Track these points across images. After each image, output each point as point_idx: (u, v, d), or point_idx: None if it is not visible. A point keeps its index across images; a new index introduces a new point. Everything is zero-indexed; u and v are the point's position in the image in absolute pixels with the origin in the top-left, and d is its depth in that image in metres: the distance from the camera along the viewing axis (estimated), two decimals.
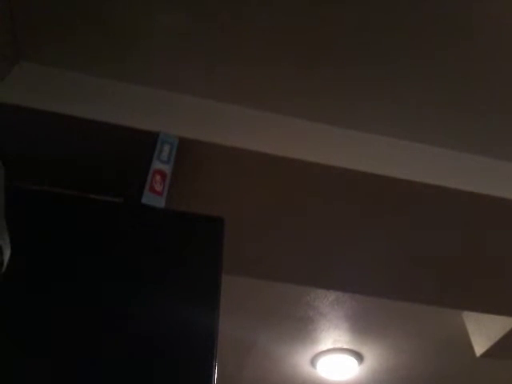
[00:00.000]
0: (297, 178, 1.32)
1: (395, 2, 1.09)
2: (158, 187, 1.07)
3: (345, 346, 2.51)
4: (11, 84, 1.16)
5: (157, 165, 1.10)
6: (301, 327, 2.34)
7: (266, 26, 1.15)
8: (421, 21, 1.13)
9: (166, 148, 1.14)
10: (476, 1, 1.09)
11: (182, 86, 1.27)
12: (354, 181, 1.32)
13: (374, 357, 2.58)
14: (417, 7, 1.10)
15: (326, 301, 2.14)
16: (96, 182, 1.25)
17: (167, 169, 1.11)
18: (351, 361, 2.57)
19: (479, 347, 2.14)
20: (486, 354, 2.12)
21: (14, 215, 0.73)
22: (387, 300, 1.94)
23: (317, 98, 1.30)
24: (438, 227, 1.49)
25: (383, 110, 1.33)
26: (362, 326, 2.36)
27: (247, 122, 1.28)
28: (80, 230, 0.97)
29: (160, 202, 1.05)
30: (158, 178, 1.08)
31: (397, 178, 1.32)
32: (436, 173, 1.35)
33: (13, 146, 1.16)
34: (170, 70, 1.23)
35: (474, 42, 1.18)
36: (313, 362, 2.60)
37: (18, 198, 0.94)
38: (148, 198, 1.04)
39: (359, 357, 2.58)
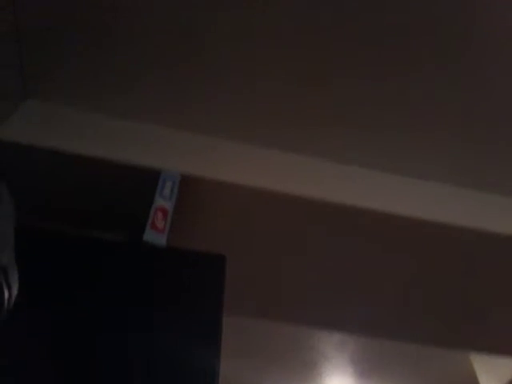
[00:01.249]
0: (298, 214, 1.31)
1: (389, 35, 1.12)
2: (160, 224, 1.06)
3: None
4: (18, 122, 1.18)
5: (159, 202, 1.10)
6: (306, 371, 2.28)
7: (267, 67, 1.18)
8: (418, 54, 1.16)
9: (168, 185, 1.14)
10: (476, 33, 1.11)
11: (183, 124, 1.29)
12: (355, 217, 1.31)
13: None
14: (414, 41, 1.13)
15: (330, 343, 2.09)
16: (100, 219, 1.24)
17: (169, 205, 1.11)
18: None
19: None
20: None
21: (20, 252, 0.72)
22: (392, 342, 1.90)
23: (318, 134, 1.31)
24: (443, 265, 1.47)
25: (383, 146, 1.34)
26: (367, 369, 2.29)
27: (248, 159, 1.30)
28: (83, 268, 0.96)
29: (161, 240, 1.04)
30: (159, 214, 1.08)
31: (399, 215, 1.31)
32: (438, 209, 1.34)
33: (19, 182, 1.16)
34: (172, 108, 1.26)
35: (473, 74, 1.20)
36: None
37: (25, 236, 0.94)
38: (150, 236, 1.03)
39: None
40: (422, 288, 1.56)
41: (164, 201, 1.11)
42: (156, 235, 1.04)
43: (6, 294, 0.58)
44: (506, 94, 1.21)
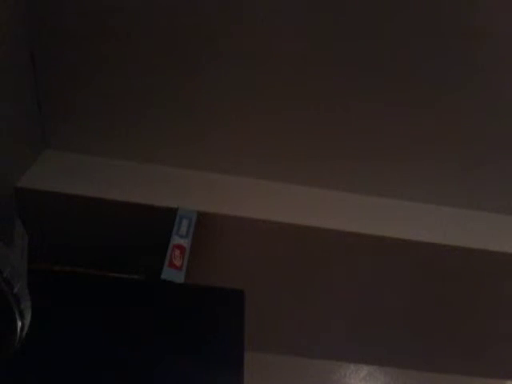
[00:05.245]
0: (316, 246, 1.31)
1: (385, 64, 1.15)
2: (178, 262, 1.08)
3: None
4: (38, 171, 1.23)
5: (176, 240, 1.12)
6: None
7: (277, 104, 1.21)
8: (413, 77, 1.18)
9: (185, 223, 1.16)
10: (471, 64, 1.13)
11: (197, 164, 1.33)
12: (375, 247, 1.30)
13: None
14: (409, 65, 1.15)
15: (357, 376, 2.03)
16: (117, 260, 1.27)
17: (186, 243, 1.12)
18: None
19: None
20: None
21: (38, 295, 0.74)
22: (424, 372, 1.84)
23: (327, 165, 1.33)
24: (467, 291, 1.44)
25: (391, 173, 1.35)
26: None
27: (262, 193, 1.31)
28: (102, 309, 0.97)
29: (179, 277, 1.05)
30: (177, 252, 1.10)
31: (419, 241, 1.30)
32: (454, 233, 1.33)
33: (38, 227, 1.20)
34: (185, 149, 1.30)
35: (474, 99, 1.21)
36: None
37: (42, 279, 0.96)
38: (167, 274, 1.04)
39: None
40: (450, 317, 1.53)
41: (181, 238, 1.13)
42: (174, 273, 1.05)
43: (19, 323, 0.59)
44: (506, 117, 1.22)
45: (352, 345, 1.72)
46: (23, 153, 1.21)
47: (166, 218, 1.18)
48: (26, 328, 0.61)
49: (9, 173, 1.14)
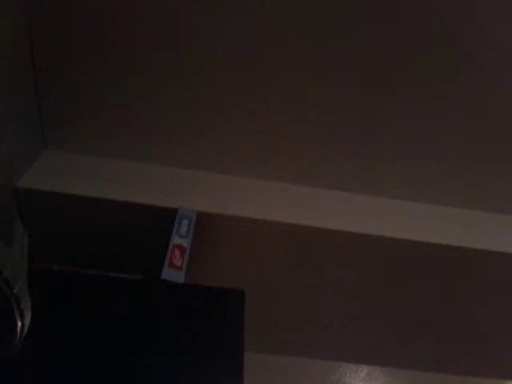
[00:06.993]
0: (316, 246, 1.31)
1: (397, 61, 1.15)
2: (178, 262, 1.08)
3: None
4: (38, 171, 1.23)
5: (176, 240, 1.12)
6: None
7: (277, 105, 1.21)
8: (420, 81, 1.18)
9: (185, 223, 1.16)
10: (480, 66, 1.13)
11: (197, 164, 1.33)
12: (372, 247, 1.30)
13: None
14: (420, 70, 1.15)
15: (357, 377, 2.03)
16: (117, 260, 1.26)
17: (186, 243, 1.12)
18: None
19: None
20: None
21: (38, 295, 0.74)
22: (424, 372, 1.84)
23: (327, 165, 1.33)
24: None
25: (391, 173, 1.35)
26: None
27: (262, 193, 1.31)
28: (101, 308, 0.97)
29: (179, 277, 1.05)
30: (177, 252, 1.09)
31: (426, 241, 1.30)
32: (441, 231, 1.33)
33: (39, 227, 1.20)
34: (184, 149, 1.30)
35: (472, 101, 1.21)
36: None
37: (42, 279, 0.96)
38: (167, 274, 1.04)
39: None
40: (452, 318, 1.53)
41: (181, 239, 1.13)
42: (174, 273, 1.05)
43: (19, 323, 0.59)
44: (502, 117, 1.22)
45: (352, 345, 1.72)
46: (23, 153, 1.21)
47: (166, 217, 1.18)
48: (25, 328, 0.61)
49: (9, 173, 1.14)
